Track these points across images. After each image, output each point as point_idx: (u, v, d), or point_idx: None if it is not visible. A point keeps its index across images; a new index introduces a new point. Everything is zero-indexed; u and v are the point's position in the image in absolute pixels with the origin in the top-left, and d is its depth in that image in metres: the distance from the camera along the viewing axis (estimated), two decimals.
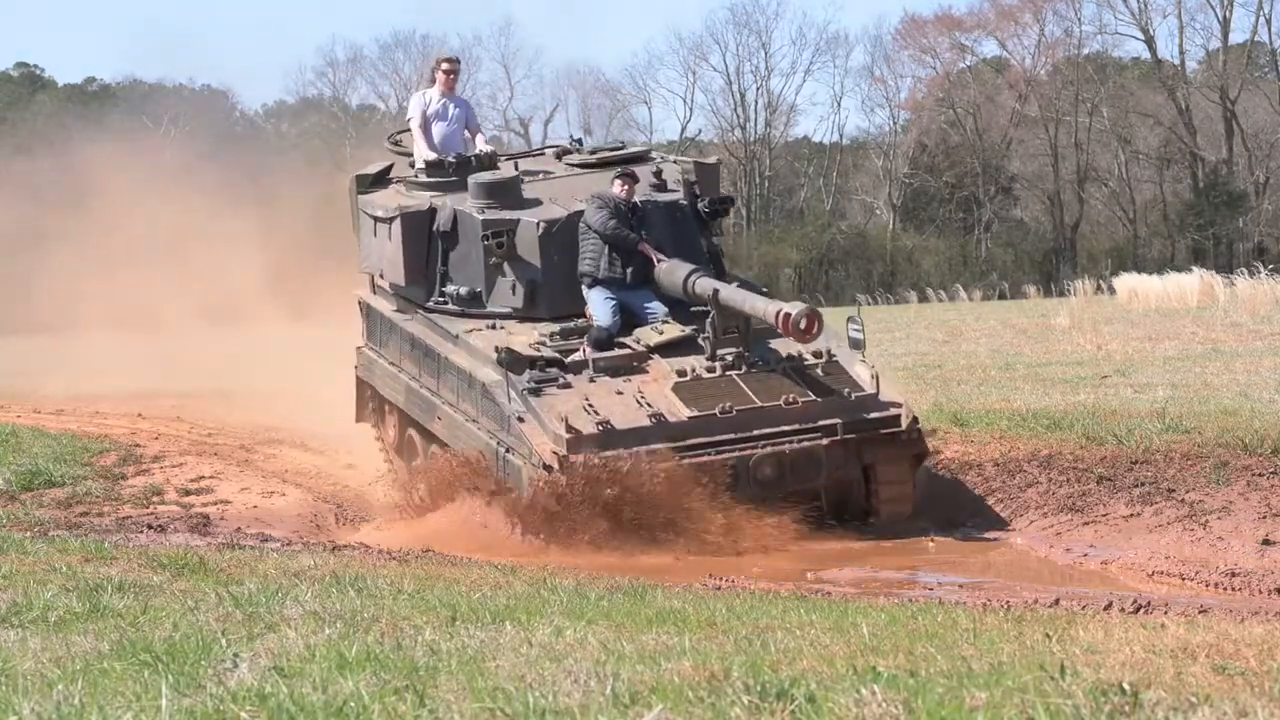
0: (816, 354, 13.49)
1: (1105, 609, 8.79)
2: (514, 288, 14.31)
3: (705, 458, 12.59)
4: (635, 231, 14.06)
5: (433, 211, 14.96)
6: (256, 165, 36.65)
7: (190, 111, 63.70)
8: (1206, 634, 6.73)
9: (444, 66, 16.54)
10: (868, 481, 13.29)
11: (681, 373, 13.24)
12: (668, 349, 13.58)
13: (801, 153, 79.58)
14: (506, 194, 14.76)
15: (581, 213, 14.19)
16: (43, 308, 32.05)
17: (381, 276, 15.90)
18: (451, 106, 16.21)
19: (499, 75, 76.02)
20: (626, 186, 14.23)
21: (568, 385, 13.07)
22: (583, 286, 14.07)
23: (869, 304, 54.68)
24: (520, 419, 12.80)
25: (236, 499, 15.28)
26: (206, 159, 34.73)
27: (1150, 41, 71.98)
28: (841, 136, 79.49)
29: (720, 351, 13.40)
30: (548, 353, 13.46)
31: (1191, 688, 5.10)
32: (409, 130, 16.50)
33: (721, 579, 10.84)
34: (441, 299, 14.83)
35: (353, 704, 4.89)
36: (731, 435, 12.79)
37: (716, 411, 12.86)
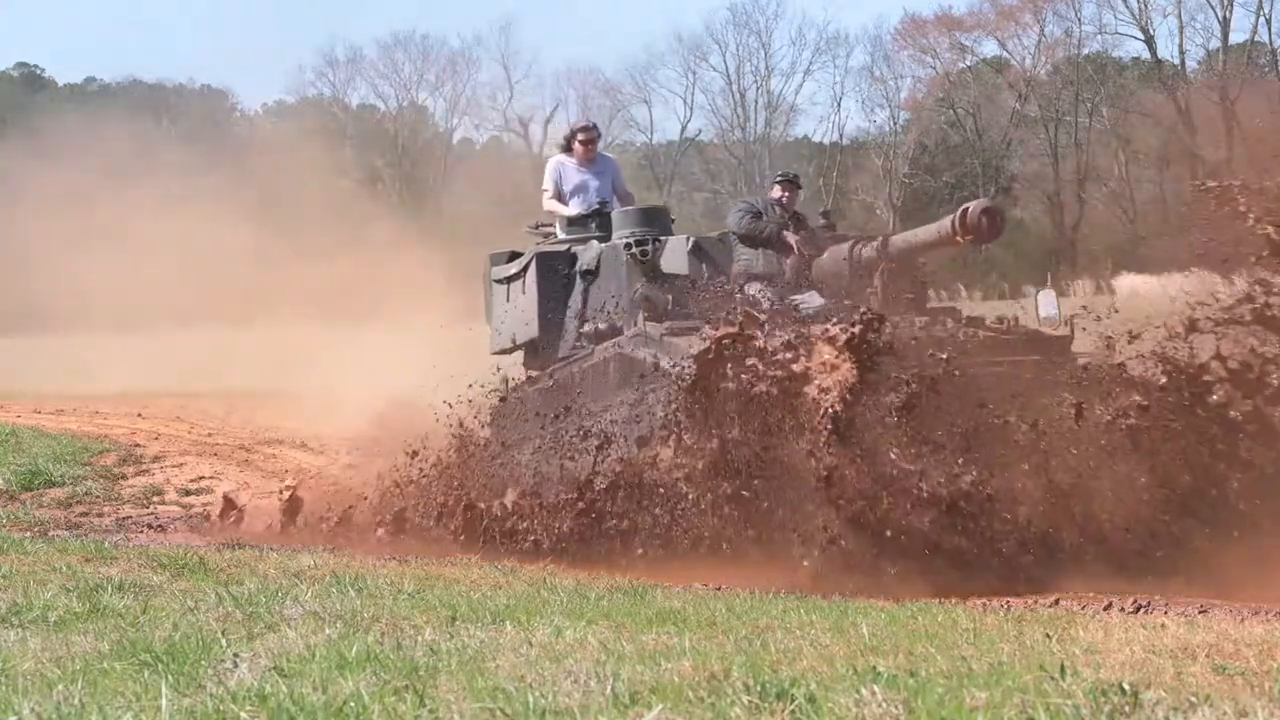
0: (1002, 318, 12.39)
1: (1105, 609, 8.79)
2: (656, 304, 12.92)
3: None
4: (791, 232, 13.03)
5: (572, 256, 14.05)
6: (257, 164, 36.63)
7: (190, 111, 63.72)
8: (1206, 634, 6.74)
9: (580, 137, 14.96)
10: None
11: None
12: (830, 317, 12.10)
13: (801, 153, 79.59)
14: (655, 221, 13.93)
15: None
16: (46, 308, 32.06)
17: (514, 342, 14.70)
18: (591, 179, 14.83)
19: (499, 75, 75.98)
20: (787, 193, 13.37)
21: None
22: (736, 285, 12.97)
23: None
24: (657, 357, 11.78)
25: (236, 499, 15.27)
26: (207, 158, 34.75)
27: (1150, 41, 72.00)
28: (841, 136, 79.50)
29: (892, 309, 11.75)
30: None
31: (1191, 688, 5.10)
32: (547, 223, 15.02)
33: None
34: (579, 343, 13.60)
35: (353, 704, 4.88)
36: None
37: (881, 340, 11.31)
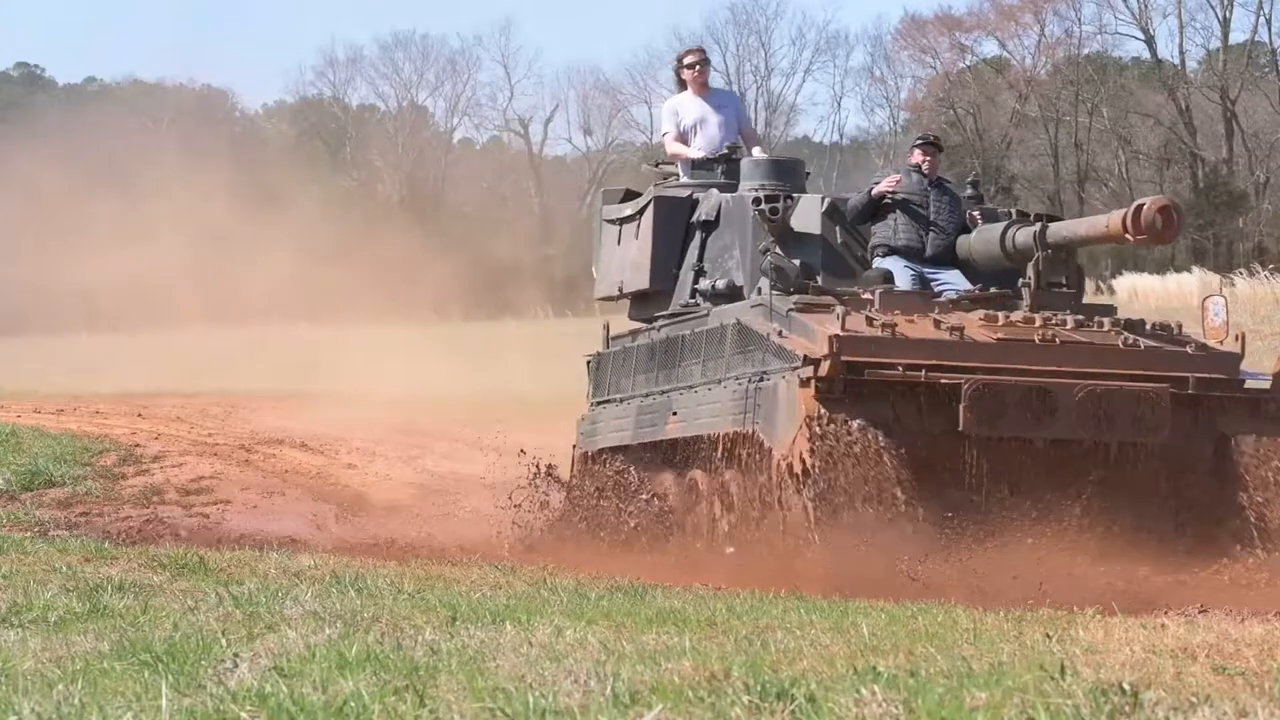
0: (1164, 324, 11.34)
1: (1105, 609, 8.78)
2: (785, 273, 11.61)
3: (1011, 379, 10.35)
4: (934, 210, 11.95)
5: (693, 202, 12.85)
6: (257, 164, 36.65)
7: (190, 111, 63.68)
8: (1206, 634, 6.74)
9: (687, 61, 13.68)
10: (1222, 462, 10.69)
11: (990, 316, 10.99)
12: (975, 305, 11.33)
13: (801, 153, 79.58)
14: (788, 175, 12.78)
15: None
16: (46, 307, 32.04)
17: (620, 293, 13.57)
18: (710, 109, 13.52)
19: (499, 75, 75.94)
20: (928, 157, 12.17)
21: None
22: (874, 259, 11.96)
23: None
24: (781, 334, 10.81)
25: (237, 499, 15.29)
26: (207, 158, 34.72)
27: (1150, 41, 71.98)
28: (841, 136, 79.51)
29: (1045, 305, 11.11)
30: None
31: (1191, 688, 5.10)
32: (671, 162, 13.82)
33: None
34: (692, 300, 12.62)
35: (353, 704, 4.88)
36: (1050, 367, 10.53)
37: (1035, 338, 10.71)
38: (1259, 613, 8.31)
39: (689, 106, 13.46)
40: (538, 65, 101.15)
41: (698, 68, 13.53)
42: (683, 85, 13.64)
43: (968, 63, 76.04)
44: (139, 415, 21.69)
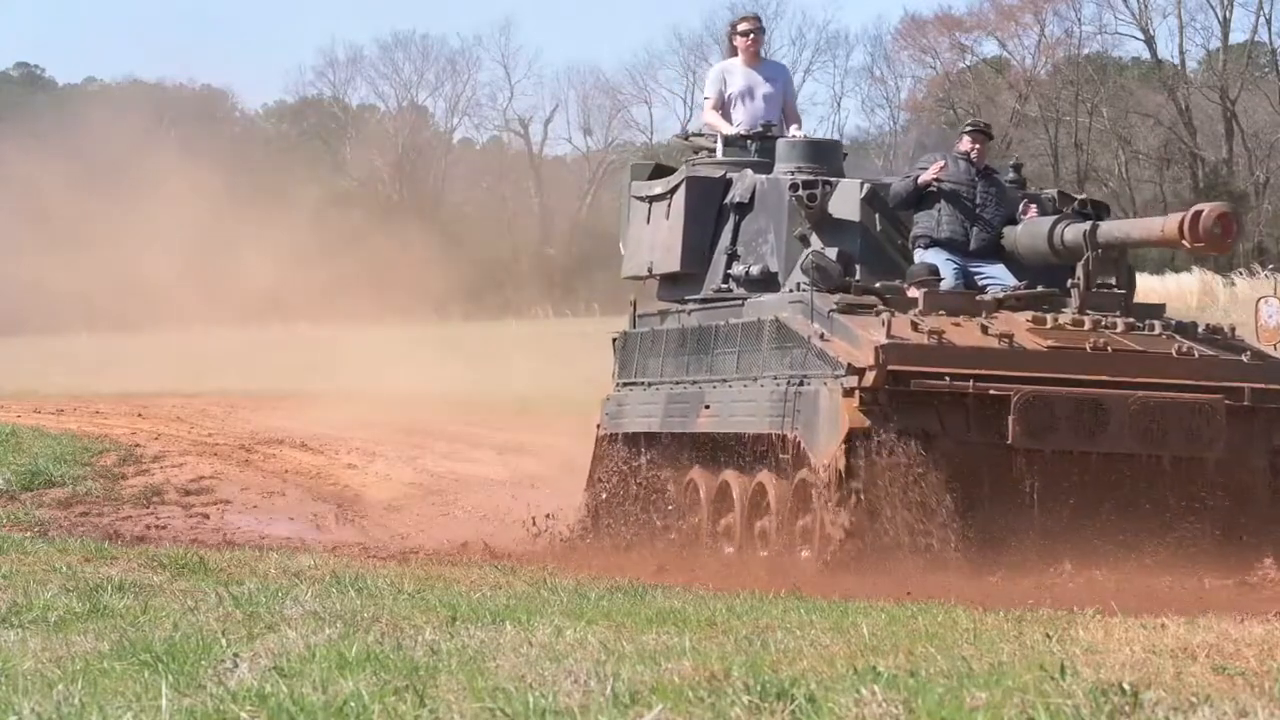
0: (1216, 328, 11.06)
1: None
2: (828, 273, 11.23)
3: (1062, 390, 10.07)
4: (980, 201, 11.54)
5: (726, 182, 12.36)
6: (257, 164, 36.65)
7: (190, 111, 63.68)
8: (1206, 634, 6.74)
9: (741, 28, 13.10)
10: (1277, 477, 10.45)
11: (1039, 320, 10.65)
12: (1021, 304, 11.00)
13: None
14: (826, 158, 12.33)
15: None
16: (45, 307, 32.04)
17: (649, 273, 13.15)
18: (761, 79, 12.96)
19: (499, 75, 75.91)
20: (977, 145, 11.80)
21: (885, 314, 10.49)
22: (915, 250, 11.50)
23: None
24: (823, 337, 10.42)
25: (237, 499, 15.29)
26: (207, 158, 34.72)
27: (1150, 41, 71.96)
28: (841, 136, 79.41)
29: (1094, 306, 10.76)
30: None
31: (1191, 688, 5.10)
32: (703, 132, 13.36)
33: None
34: (725, 285, 12.18)
35: (353, 704, 4.88)
36: (1102, 376, 10.24)
37: (1087, 346, 10.37)
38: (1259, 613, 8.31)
39: (736, 75, 12.95)
40: (538, 65, 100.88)
41: (751, 36, 13.01)
42: (733, 52, 13.17)
43: (968, 63, 76.03)
44: (139, 415, 21.68)
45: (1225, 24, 70.91)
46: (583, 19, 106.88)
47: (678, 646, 6.21)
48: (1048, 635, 6.72)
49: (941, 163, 11.60)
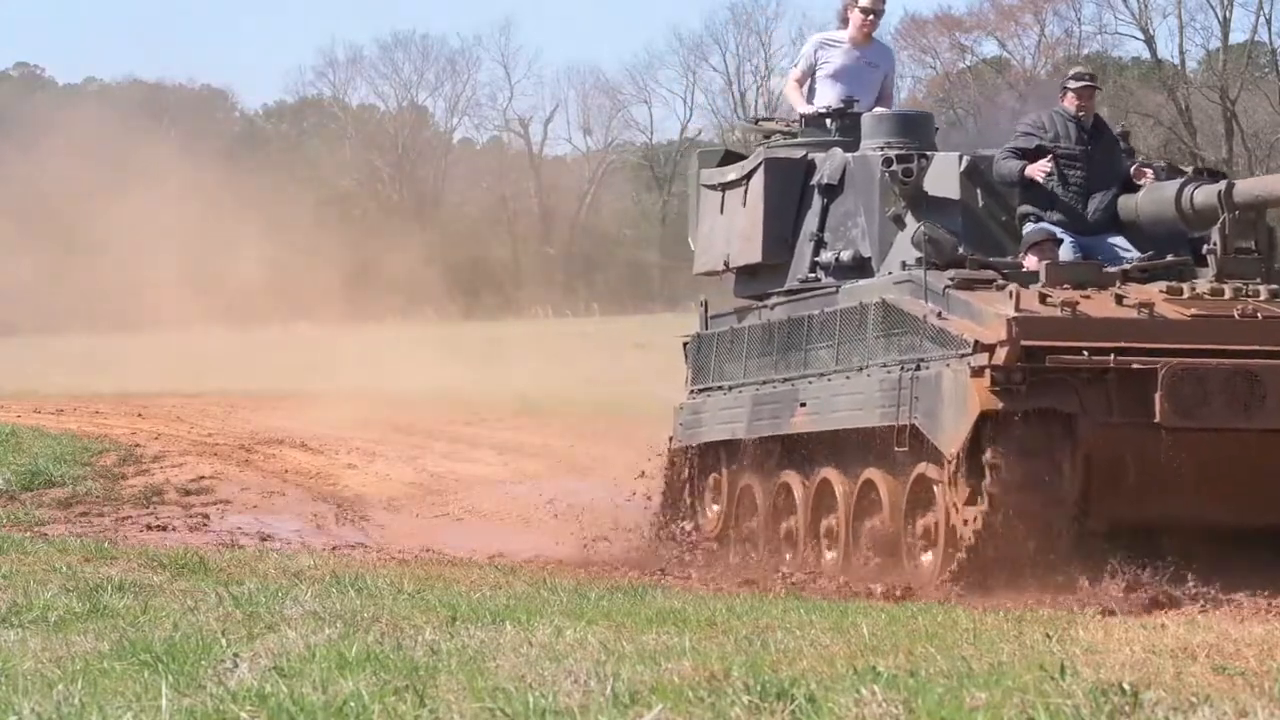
0: None
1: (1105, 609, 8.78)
2: (941, 246, 10.30)
3: (1213, 362, 9.30)
4: (1093, 167, 10.64)
5: (809, 164, 11.50)
6: (257, 164, 36.66)
7: (190, 111, 63.71)
8: (1206, 634, 6.74)
9: (863, 3, 11.93)
10: None
11: (1175, 290, 9.81)
12: (1149, 276, 10.15)
13: None
14: (918, 131, 11.45)
15: None
16: (45, 308, 32.06)
17: (726, 265, 12.20)
18: (864, 64, 12.06)
19: (499, 75, 75.92)
20: (1084, 101, 10.94)
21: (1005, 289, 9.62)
22: (1025, 228, 10.63)
23: None
24: (940, 316, 9.68)
25: (237, 499, 15.29)
26: (206, 158, 34.76)
27: (1150, 41, 71.96)
28: None
29: (1232, 273, 9.90)
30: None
31: (1191, 688, 5.11)
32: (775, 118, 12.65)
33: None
34: (812, 274, 11.31)
35: (353, 704, 4.88)
36: (1254, 346, 9.43)
37: (1235, 314, 9.55)
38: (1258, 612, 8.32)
39: (837, 52, 12.01)
40: (538, 65, 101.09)
41: (871, 16, 11.98)
42: (844, 24, 12.14)
43: (968, 63, 76.04)
44: (139, 415, 21.65)
45: (1225, 24, 70.88)
46: (582, 19, 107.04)
47: (678, 646, 6.21)
48: (1048, 635, 6.73)
49: (1048, 167, 10.58)
